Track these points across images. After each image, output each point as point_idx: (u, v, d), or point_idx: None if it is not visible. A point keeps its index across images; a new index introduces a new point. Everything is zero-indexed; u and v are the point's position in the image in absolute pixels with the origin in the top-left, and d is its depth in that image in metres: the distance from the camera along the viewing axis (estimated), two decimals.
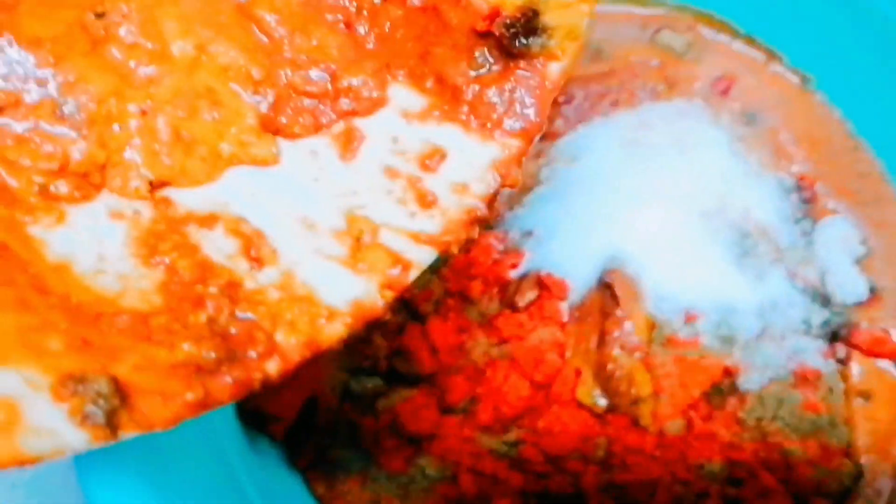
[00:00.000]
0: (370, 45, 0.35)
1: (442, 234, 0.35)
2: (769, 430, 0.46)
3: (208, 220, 0.33)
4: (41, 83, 0.32)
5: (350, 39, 0.35)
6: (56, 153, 0.32)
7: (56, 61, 0.32)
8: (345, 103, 0.35)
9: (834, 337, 0.49)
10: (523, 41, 0.34)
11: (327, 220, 0.34)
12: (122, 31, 0.33)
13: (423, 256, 0.35)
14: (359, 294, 0.33)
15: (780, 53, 0.56)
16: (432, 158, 0.35)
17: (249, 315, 0.32)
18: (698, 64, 0.55)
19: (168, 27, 0.33)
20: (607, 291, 0.46)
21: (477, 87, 0.35)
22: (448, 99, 0.35)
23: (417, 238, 0.35)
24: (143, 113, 0.33)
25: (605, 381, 0.46)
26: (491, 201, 0.35)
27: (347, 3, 0.35)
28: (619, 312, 0.46)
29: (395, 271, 0.34)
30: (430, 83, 0.35)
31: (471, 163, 0.35)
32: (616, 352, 0.46)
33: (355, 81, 0.35)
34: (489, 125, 0.35)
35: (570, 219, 0.48)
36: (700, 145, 0.51)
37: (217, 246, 0.33)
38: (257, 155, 0.34)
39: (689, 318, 0.47)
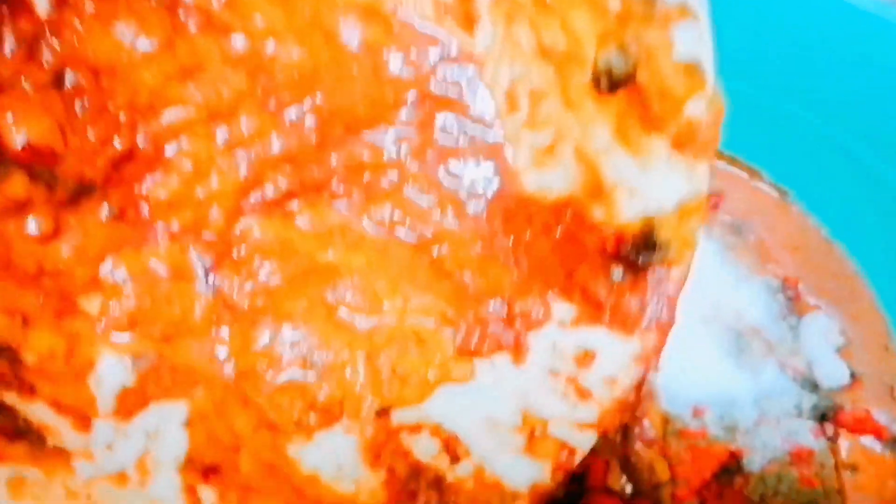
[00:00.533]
0: (530, 272, 0.40)
1: (599, 420, 0.40)
2: None
3: (416, 429, 0.40)
4: (294, 345, 0.39)
5: (517, 272, 0.40)
6: (307, 395, 0.39)
7: (305, 328, 0.39)
8: (518, 323, 0.40)
9: (823, 418, 0.54)
10: (646, 257, 0.40)
11: (507, 418, 0.40)
12: (349, 297, 0.39)
13: (585, 441, 0.41)
14: (535, 477, 0.41)
15: (761, 170, 0.62)
16: (585, 358, 0.40)
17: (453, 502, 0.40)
18: None
19: (380, 289, 0.40)
20: None
21: (614, 297, 0.40)
22: (593, 307, 0.40)
23: (579, 426, 0.41)
24: (368, 357, 0.39)
25: (629, 470, 0.51)
26: (637, 389, 0.41)
27: (511, 244, 0.40)
28: (638, 412, 0.53)
29: (564, 455, 0.40)
30: (577, 296, 0.40)
31: (617, 359, 0.40)
32: (637, 445, 0.51)
33: (525, 306, 0.40)
34: (628, 325, 0.40)
35: None
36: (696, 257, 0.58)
37: (423, 448, 0.40)
38: (457, 376, 0.40)
39: (697, 413, 0.53)
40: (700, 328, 0.55)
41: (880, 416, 0.55)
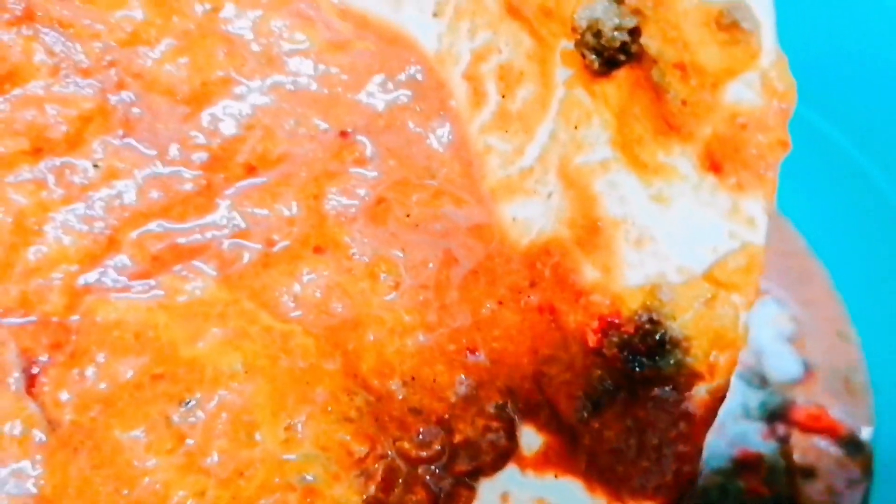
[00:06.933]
0: (485, 373, 0.27)
1: None
2: None
3: None
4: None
5: (466, 370, 0.27)
6: None
7: (139, 464, 0.26)
8: (463, 461, 0.27)
9: (772, 417, 0.50)
10: (647, 362, 0.25)
11: None
12: (205, 418, 0.26)
13: None
14: None
15: None
16: None
17: None
18: None
19: (257, 407, 0.26)
20: None
21: (596, 427, 0.25)
22: (565, 440, 0.26)
23: None
24: None
25: None
26: None
27: (465, 324, 0.27)
28: None
29: None
30: (544, 417, 0.27)
31: None
32: None
33: (473, 432, 0.27)
34: (612, 484, 0.25)
35: None
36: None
37: None
38: None
39: None
40: None
41: (835, 411, 0.51)
